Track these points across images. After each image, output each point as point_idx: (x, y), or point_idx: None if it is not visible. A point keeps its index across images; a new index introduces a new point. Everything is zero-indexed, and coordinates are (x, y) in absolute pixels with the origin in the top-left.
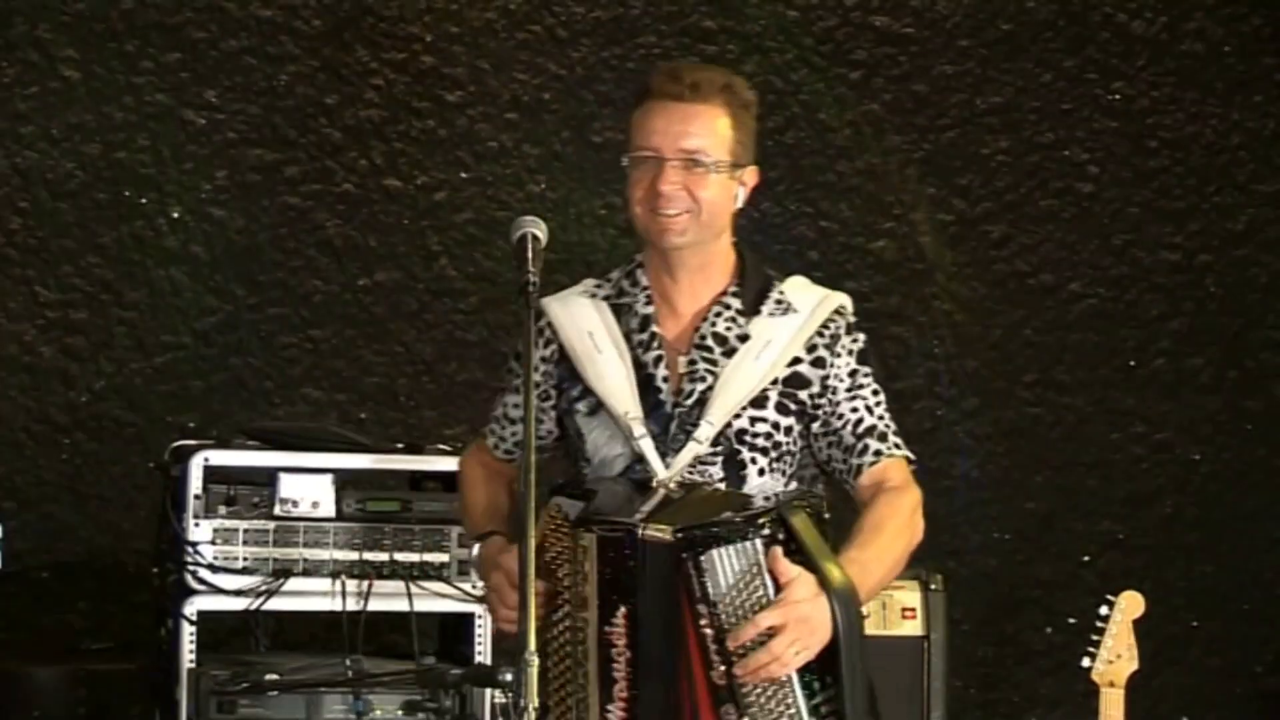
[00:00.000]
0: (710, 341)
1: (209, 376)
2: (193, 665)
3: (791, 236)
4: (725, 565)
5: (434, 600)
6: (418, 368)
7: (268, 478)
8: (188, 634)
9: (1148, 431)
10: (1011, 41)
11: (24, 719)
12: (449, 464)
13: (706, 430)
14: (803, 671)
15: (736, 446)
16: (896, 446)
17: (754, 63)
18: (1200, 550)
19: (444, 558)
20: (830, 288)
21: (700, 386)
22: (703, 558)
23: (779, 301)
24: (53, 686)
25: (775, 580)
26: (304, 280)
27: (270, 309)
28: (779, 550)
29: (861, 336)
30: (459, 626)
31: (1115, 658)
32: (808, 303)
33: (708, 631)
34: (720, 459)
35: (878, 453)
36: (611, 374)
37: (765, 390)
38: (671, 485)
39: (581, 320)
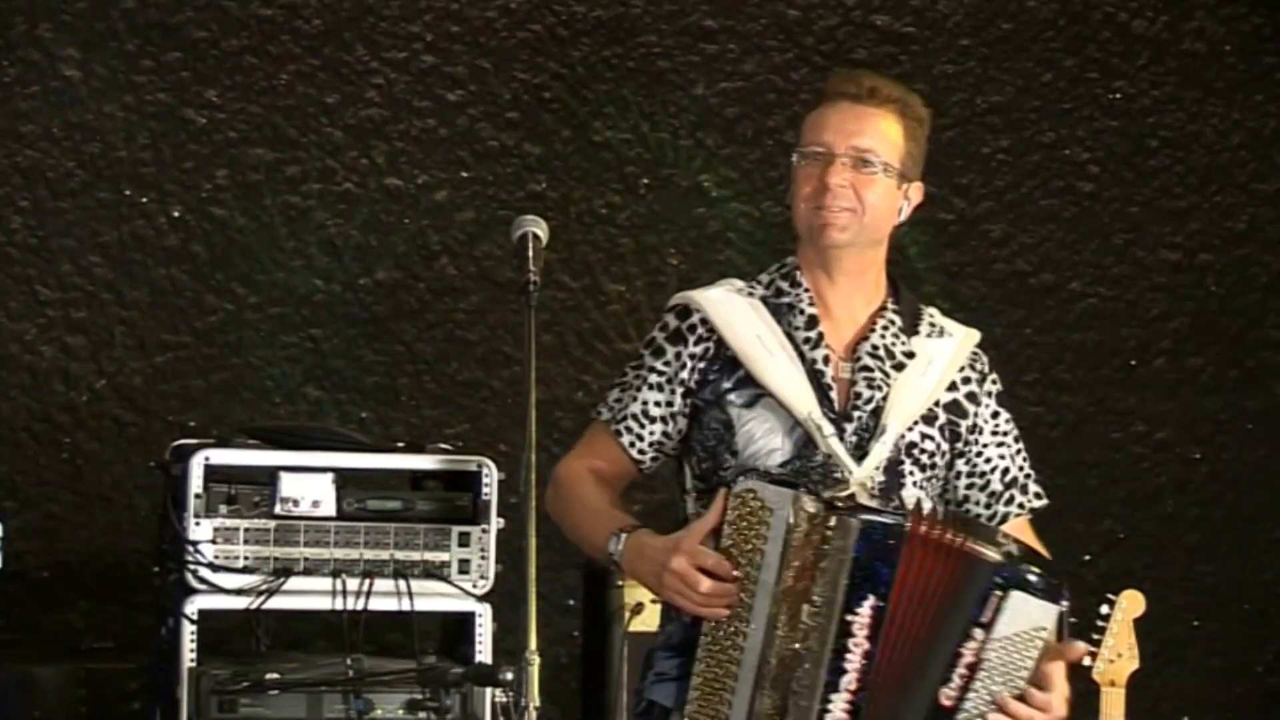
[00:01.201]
0: (881, 353)
1: (210, 375)
2: (193, 664)
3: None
4: (1023, 612)
5: (435, 599)
6: (418, 367)
7: (268, 477)
8: (188, 633)
9: (1148, 431)
10: (1012, 41)
11: (25, 718)
12: (449, 463)
13: (892, 435)
14: None
15: (902, 458)
16: (1037, 496)
17: (754, 62)
18: (1201, 550)
19: (445, 556)
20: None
21: (876, 395)
22: (1012, 594)
23: (932, 324)
24: (53, 686)
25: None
26: (305, 279)
27: (271, 308)
28: (1082, 647)
29: (998, 378)
30: (460, 626)
31: (1116, 657)
32: (958, 331)
33: (964, 652)
34: (884, 466)
35: (1021, 505)
36: (788, 376)
37: (935, 417)
38: (868, 485)
39: (744, 322)
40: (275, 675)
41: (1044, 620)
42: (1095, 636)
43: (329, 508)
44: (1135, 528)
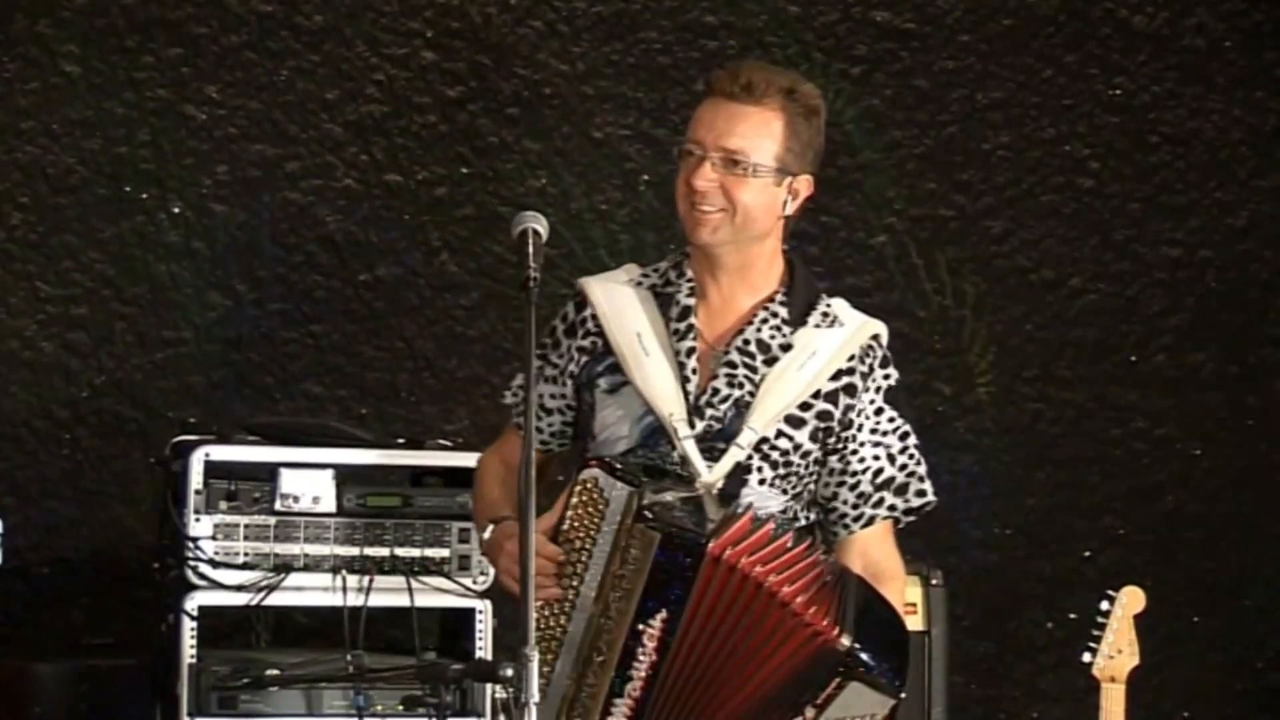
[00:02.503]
0: (753, 347)
1: (210, 372)
2: (193, 661)
3: (792, 231)
4: (859, 700)
5: (435, 595)
6: (419, 363)
7: (268, 473)
8: (189, 629)
9: (1149, 427)
10: (1012, 37)
11: (25, 715)
12: (450, 459)
13: (749, 436)
14: None
15: (750, 454)
16: (919, 495)
17: (754, 58)
18: (1201, 546)
19: (445, 553)
20: (831, 283)
21: (737, 392)
22: (852, 684)
23: (825, 314)
24: (54, 682)
25: None
26: (305, 275)
27: (271, 304)
28: None
29: (894, 373)
30: (460, 621)
31: (1116, 653)
32: (853, 320)
33: None
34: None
35: (892, 508)
36: (658, 377)
37: (805, 412)
38: (713, 490)
39: (629, 318)
40: (275, 671)
41: (878, 708)
42: (1095, 633)
43: (329, 504)
44: (1135, 524)
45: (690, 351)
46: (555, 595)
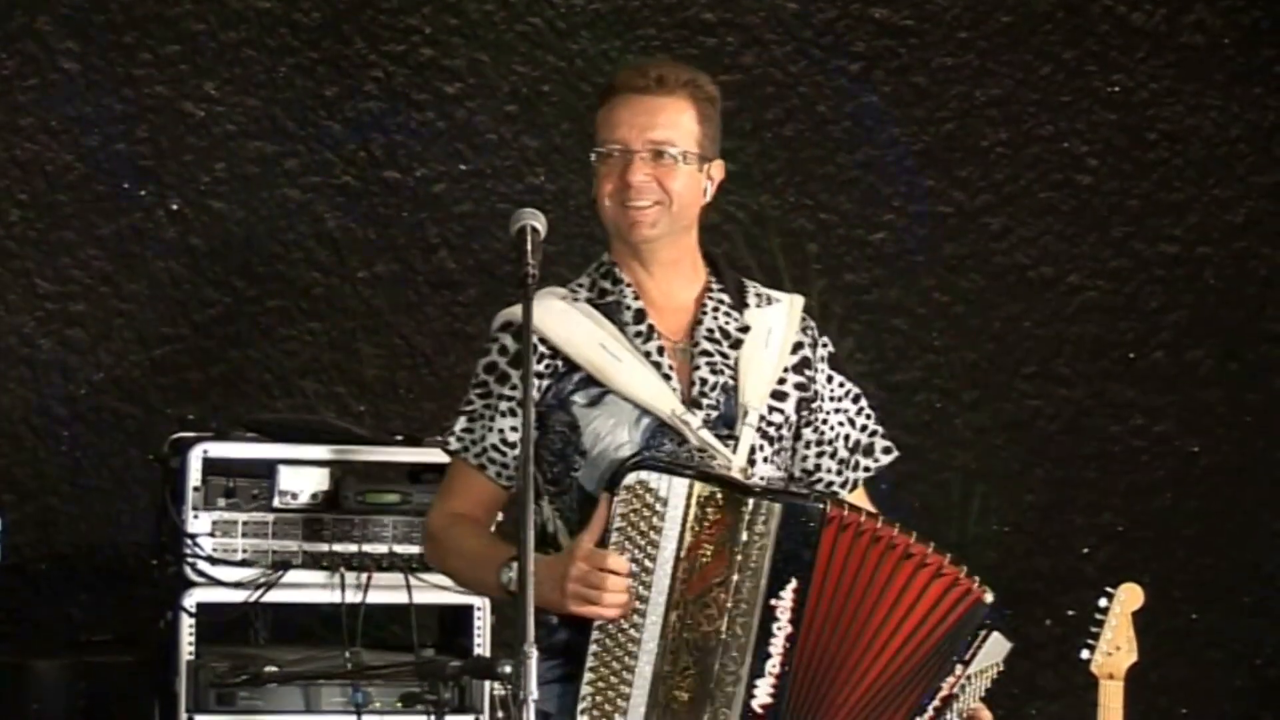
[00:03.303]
0: (717, 335)
1: (208, 369)
2: (192, 657)
3: (790, 229)
4: (993, 649)
5: (433, 592)
6: (417, 360)
7: (267, 470)
8: (187, 626)
9: (1147, 424)
10: (1011, 34)
11: (23, 711)
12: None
13: (754, 415)
14: None
15: (755, 433)
16: (885, 452)
17: (753, 55)
18: (1200, 542)
19: None
20: (830, 280)
21: (721, 378)
22: (993, 635)
23: (758, 295)
24: (52, 679)
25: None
26: (303, 272)
27: (269, 301)
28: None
29: (829, 340)
30: (458, 618)
31: (1115, 650)
32: (782, 296)
33: (943, 686)
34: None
35: (868, 469)
36: (641, 378)
37: (784, 385)
38: (746, 471)
39: (583, 332)
40: (273, 668)
41: (1001, 654)
42: (1094, 629)
43: (327, 501)
44: (1134, 520)
45: (660, 350)
46: (626, 600)
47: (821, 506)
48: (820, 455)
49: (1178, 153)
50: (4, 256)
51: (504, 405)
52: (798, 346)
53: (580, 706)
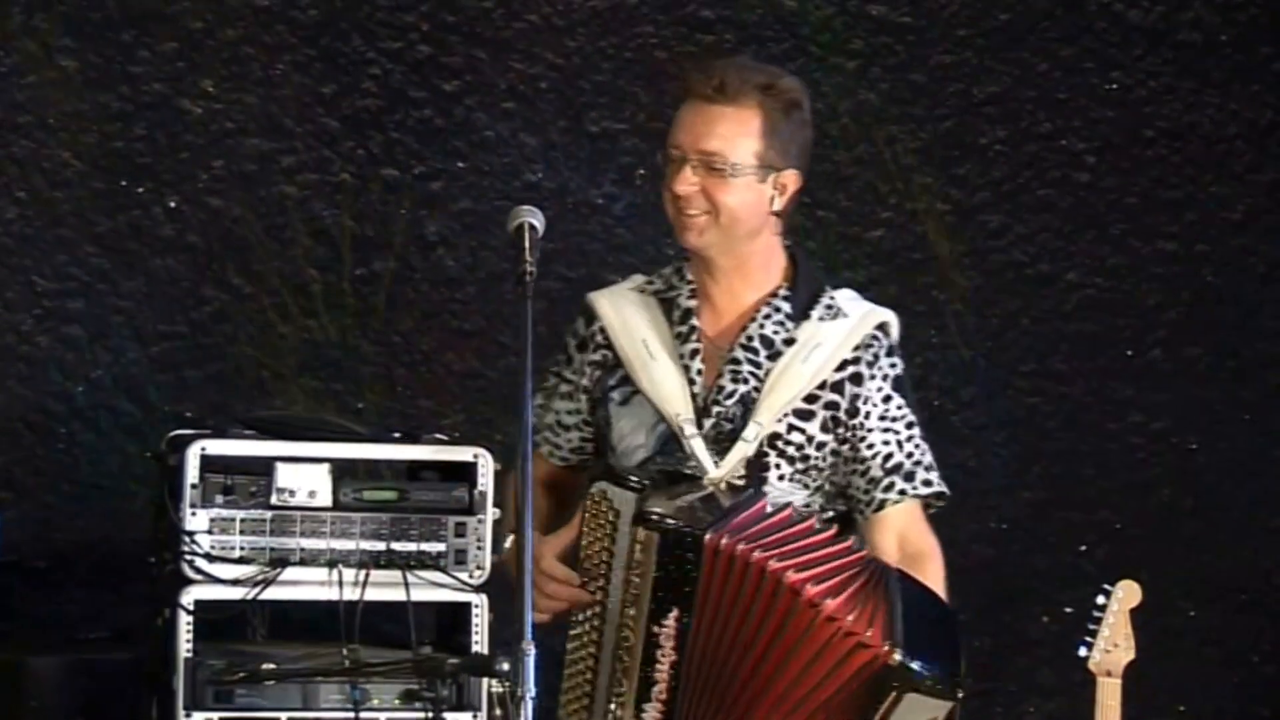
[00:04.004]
0: (757, 343)
1: (206, 366)
2: (189, 655)
3: (788, 226)
4: (915, 710)
5: (431, 590)
6: (415, 357)
7: (264, 467)
8: (184, 623)
9: (1145, 421)
10: (1009, 31)
11: (21, 708)
12: (446, 453)
13: (755, 430)
14: None
15: (766, 450)
16: (926, 485)
17: (750, 52)
18: (1197, 540)
19: (441, 547)
20: (826, 277)
21: (743, 388)
22: (905, 697)
23: (829, 307)
24: (49, 676)
25: None
26: (301, 270)
27: (267, 298)
28: None
29: (900, 363)
30: (456, 616)
31: (1112, 647)
32: (857, 311)
33: None
34: (745, 461)
35: (901, 491)
36: (665, 379)
37: (813, 404)
38: (722, 485)
39: (635, 326)
40: (271, 666)
41: (937, 712)
42: (1092, 627)
43: (325, 498)
44: (1131, 518)
45: (694, 353)
46: (560, 609)
47: (703, 537)
48: (851, 473)
49: (1176, 150)
50: (2, 254)
51: (563, 388)
52: (849, 363)
53: (560, 702)
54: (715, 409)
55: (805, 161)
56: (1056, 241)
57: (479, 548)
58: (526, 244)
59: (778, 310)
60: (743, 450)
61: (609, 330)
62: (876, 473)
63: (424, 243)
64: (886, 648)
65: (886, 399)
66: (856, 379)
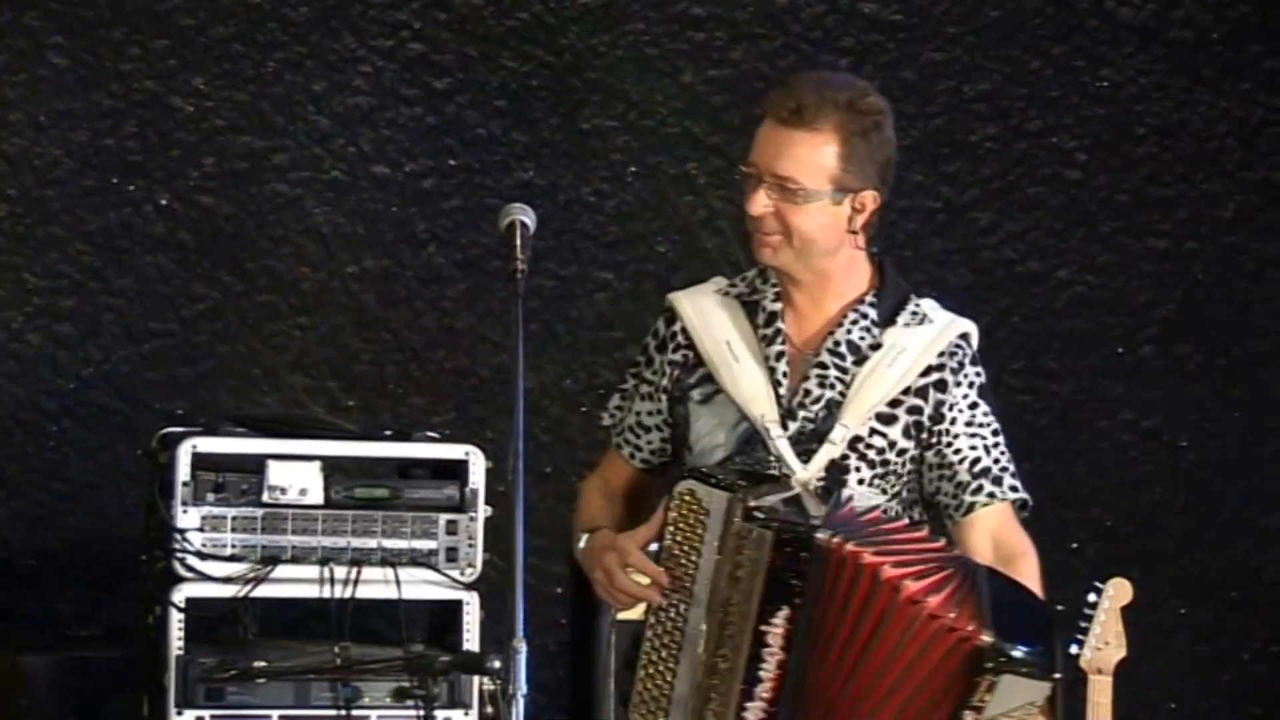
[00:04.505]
0: (843, 348)
1: (197, 364)
2: (181, 652)
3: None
4: (1013, 692)
5: (422, 588)
6: (406, 355)
7: (256, 465)
8: (176, 621)
9: (1135, 419)
10: (999, 29)
11: (12, 706)
12: (437, 451)
13: (841, 432)
14: None
15: (846, 453)
16: (1012, 489)
17: (742, 50)
18: (1188, 538)
19: (432, 545)
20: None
21: (829, 393)
22: (1001, 679)
23: (914, 313)
24: (41, 674)
25: None
26: (292, 267)
27: (258, 296)
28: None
29: (983, 371)
30: (447, 614)
31: (1103, 645)
32: (942, 319)
33: None
34: (827, 465)
35: (990, 495)
36: (749, 381)
37: (895, 409)
38: (811, 485)
39: (717, 328)
40: (262, 663)
41: (1036, 694)
42: (1083, 624)
43: (316, 496)
44: (1122, 516)
45: (780, 355)
46: (639, 596)
47: (816, 537)
48: (940, 479)
49: (1166, 148)
50: None
51: (644, 389)
52: (934, 369)
53: (631, 702)
54: (800, 412)
55: (888, 177)
56: (1047, 239)
57: (470, 545)
58: (518, 241)
59: (864, 317)
60: (829, 452)
61: (690, 330)
62: (964, 477)
63: (415, 240)
64: (974, 628)
65: (973, 406)
66: (941, 385)
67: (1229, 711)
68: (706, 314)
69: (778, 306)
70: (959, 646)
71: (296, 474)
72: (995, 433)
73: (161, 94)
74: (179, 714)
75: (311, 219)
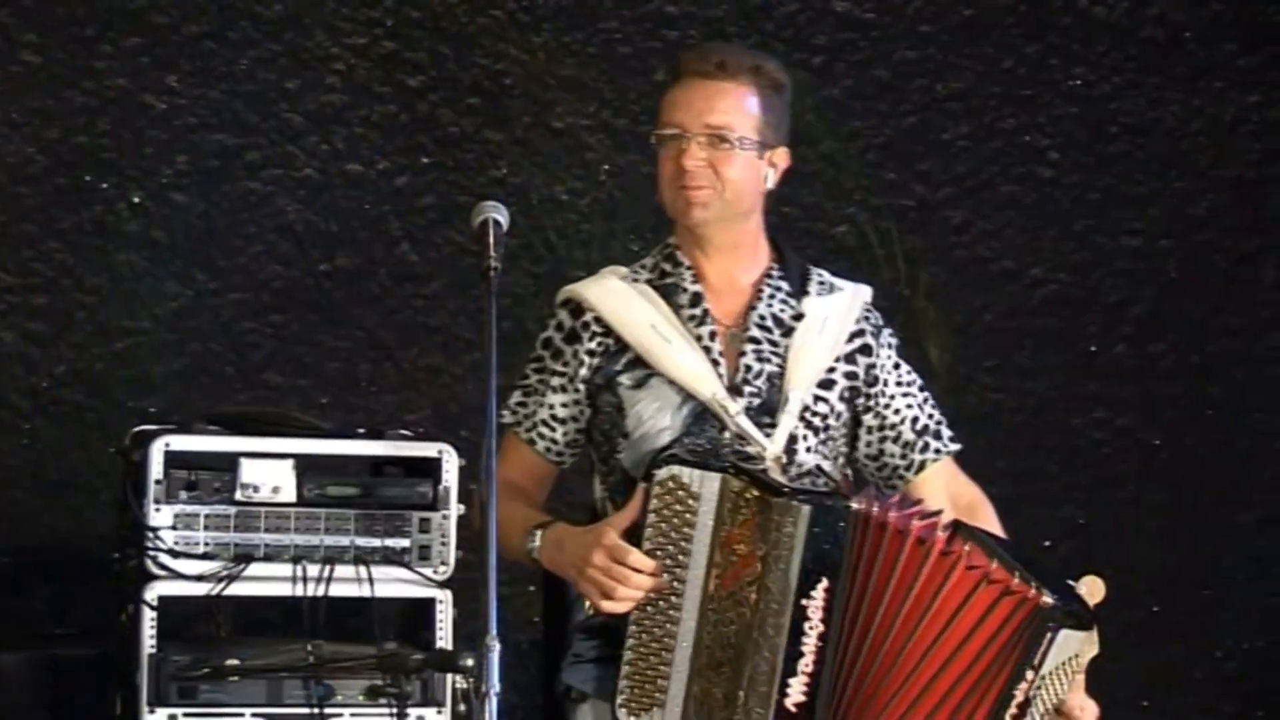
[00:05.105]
0: (769, 321)
1: (170, 362)
2: (153, 651)
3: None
4: (1067, 646)
5: (395, 585)
6: (379, 353)
7: (229, 463)
8: (148, 619)
9: (1109, 417)
10: (972, 27)
11: None
12: (411, 449)
13: (796, 404)
14: None
15: (795, 423)
16: (952, 440)
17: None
18: (1162, 535)
19: (405, 543)
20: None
21: (769, 366)
22: (1061, 634)
23: (822, 282)
24: (13, 672)
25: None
26: (265, 265)
27: (231, 294)
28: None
29: (893, 333)
30: (420, 612)
31: None
32: (847, 286)
33: (1017, 693)
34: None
35: (937, 450)
36: (688, 360)
37: (833, 374)
38: (781, 460)
39: (637, 312)
40: (235, 661)
41: (1081, 648)
42: None
43: (289, 494)
44: (1096, 513)
45: (713, 335)
46: (639, 598)
47: (850, 506)
48: (884, 440)
49: (1139, 146)
50: None
51: (555, 381)
52: (856, 335)
53: (619, 699)
54: (746, 388)
55: (791, 141)
56: (1020, 237)
57: (443, 543)
58: (491, 239)
59: (779, 289)
60: (788, 424)
61: (607, 318)
62: (909, 436)
63: (388, 238)
64: (1034, 591)
65: (897, 366)
66: (866, 350)
67: (1202, 709)
68: (620, 300)
69: (699, 287)
70: (1014, 606)
71: (269, 472)
72: (921, 389)
73: (134, 91)
74: (151, 712)
75: (284, 216)
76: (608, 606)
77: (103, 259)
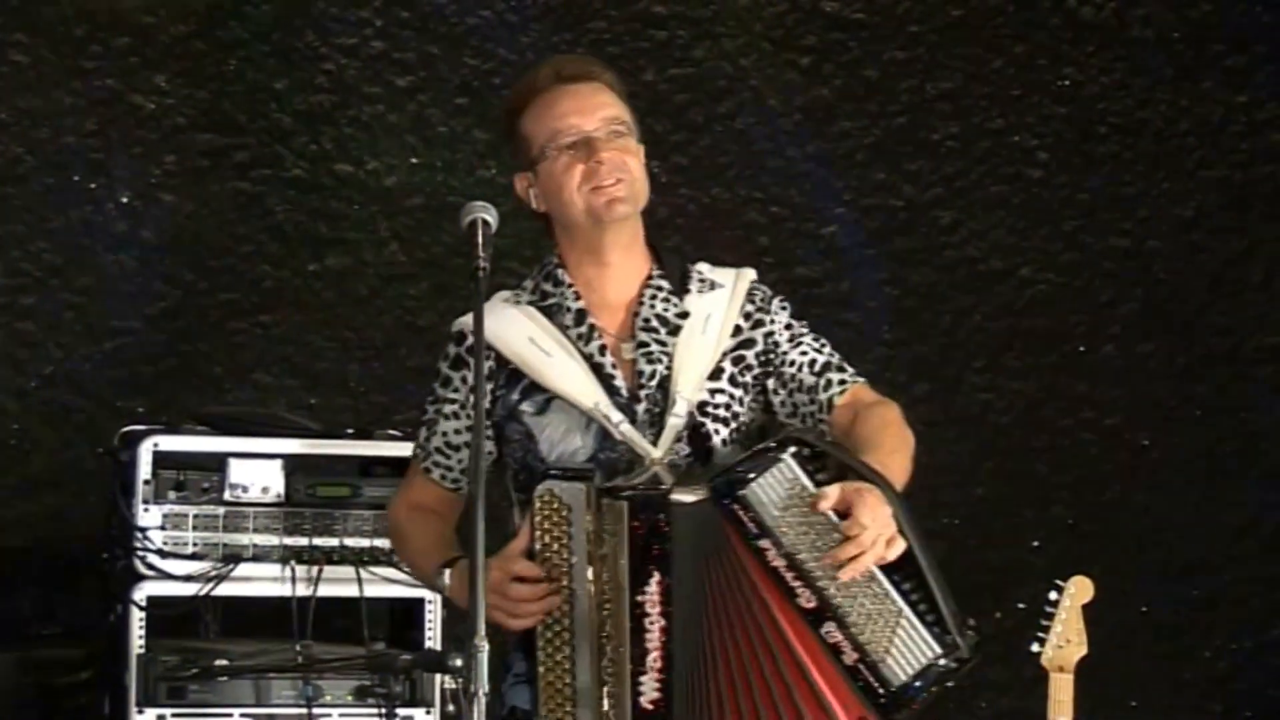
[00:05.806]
0: (655, 323)
1: (158, 362)
2: (142, 651)
3: (742, 222)
4: (767, 494)
5: (384, 585)
6: (368, 353)
7: (217, 463)
8: (137, 620)
9: (1097, 417)
10: (961, 27)
11: None
12: (399, 449)
13: (682, 405)
14: (886, 571)
15: (700, 419)
16: (857, 374)
17: (704, 48)
18: (1149, 535)
19: None
20: (781, 273)
21: (658, 368)
22: (742, 492)
23: (701, 280)
24: (1, 672)
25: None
26: (254, 265)
27: (220, 294)
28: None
29: (786, 301)
30: (409, 612)
31: (1064, 643)
32: (727, 278)
33: (778, 563)
34: (686, 434)
35: (842, 382)
36: (569, 372)
37: (719, 365)
38: (665, 464)
39: (516, 328)
40: (224, 662)
41: (788, 477)
42: (1044, 622)
43: (278, 494)
44: (1084, 514)
45: (603, 350)
46: (546, 609)
47: (667, 498)
48: (791, 393)
49: (1128, 146)
50: None
51: (447, 409)
52: (745, 318)
53: (539, 706)
54: (643, 393)
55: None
56: (1009, 237)
57: None
58: (480, 239)
59: (660, 290)
60: (674, 426)
61: (492, 342)
62: (810, 380)
63: (377, 238)
64: (688, 495)
65: (788, 325)
66: (758, 324)
67: (1190, 709)
68: (497, 320)
69: (581, 304)
70: (705, 512)
71: (258, 472)
72: (817, 338)
73: (123, 91)
74: (140, 712)
75: (273, 216)
76: (515, 624)
77: (91, 259)
